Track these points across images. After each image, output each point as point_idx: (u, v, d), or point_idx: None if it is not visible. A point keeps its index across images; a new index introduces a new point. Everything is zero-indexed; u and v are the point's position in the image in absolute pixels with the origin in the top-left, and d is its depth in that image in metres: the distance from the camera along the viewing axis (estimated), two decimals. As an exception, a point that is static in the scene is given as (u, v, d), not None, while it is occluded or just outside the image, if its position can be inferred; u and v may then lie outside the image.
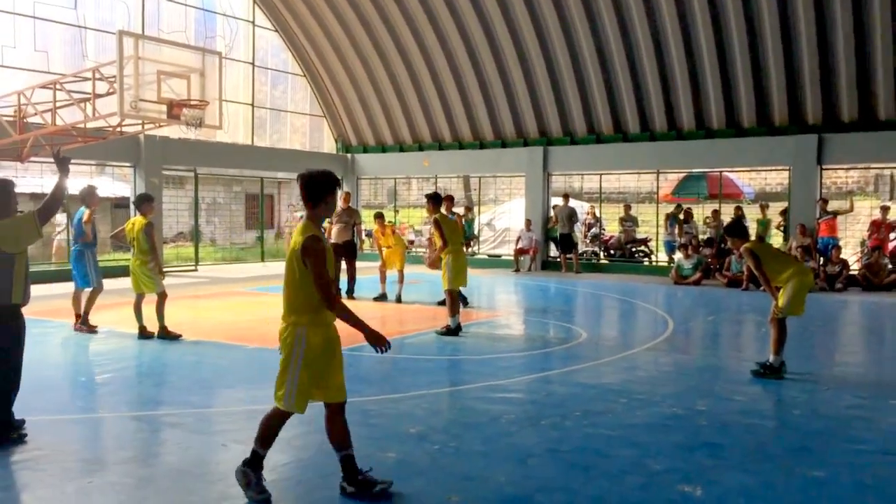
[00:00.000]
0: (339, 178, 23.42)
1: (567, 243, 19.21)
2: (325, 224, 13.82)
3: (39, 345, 8.59)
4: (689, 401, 6.67)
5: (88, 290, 9.99)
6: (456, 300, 9.97)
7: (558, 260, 20.18)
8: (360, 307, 12.60)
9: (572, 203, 20.62)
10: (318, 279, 4.16)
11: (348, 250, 13.60)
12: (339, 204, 14.04)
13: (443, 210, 10.35)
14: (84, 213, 9.97)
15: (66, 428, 5.87)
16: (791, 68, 16.39)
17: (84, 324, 9.82)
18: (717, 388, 7.23)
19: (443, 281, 9.99)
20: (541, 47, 18.67)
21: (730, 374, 7.89)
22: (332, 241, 13.65)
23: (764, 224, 17.87)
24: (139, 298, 9.51)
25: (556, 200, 20.92)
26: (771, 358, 7.55)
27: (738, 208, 18.33)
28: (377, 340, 4.31)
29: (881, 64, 15.46)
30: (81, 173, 19.29)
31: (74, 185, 17.50)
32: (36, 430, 5.48)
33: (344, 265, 13.55)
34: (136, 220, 9.50)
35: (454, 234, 10.03)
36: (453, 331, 9.76)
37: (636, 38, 17.45)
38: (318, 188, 4.31)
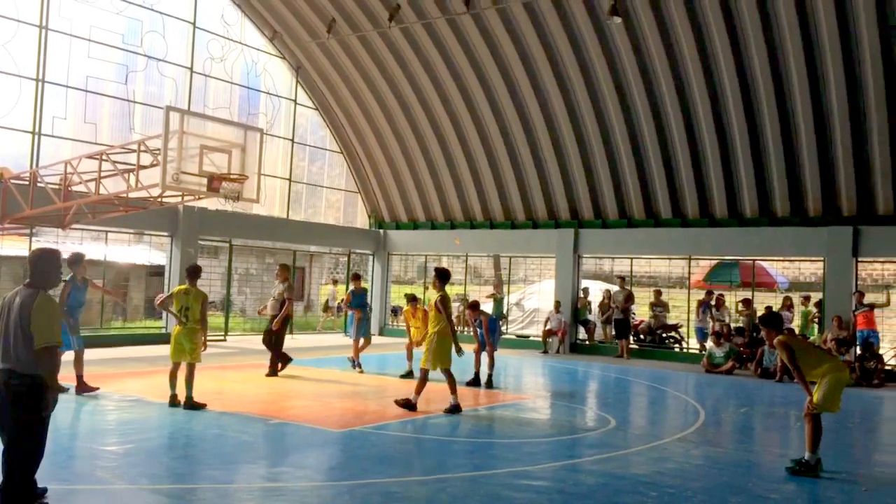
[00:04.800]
0: (371, 253, 23.67)
1: (623, 328, 18.97)
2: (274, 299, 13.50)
3: (66, 412, 8.63)
4: (722, 497, 6.46)
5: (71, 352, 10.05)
6: (426, 380, 10.00)
7: (586, 343, 19.97)
8: (386, 384, 12.56)
9: (606, 286, 20.59)
10: None
11: (281, 325, 13.26)
12: (277, 279, 13.64)
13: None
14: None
15: (87, 499, 5.84)
16: (825, 158, 16.40)
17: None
18: (750, 484, 6.99)
19: (424, 359, 9.93)
20: (573, 130, 18.95)
21: (764, 470, 7.64)
22: (270, 317, 13.36)
23: (806, 316, 17.57)
24: (175, 367, 9.59)
25: (589, 284, 20.84)
26: (806, 455, 7.32)
27: (788, 300, 18.05)
28: None
29: (917, 157, 15.42)
30: (120, 241, 19.73)
31: (104, 252, 17.86)
32: (57, 499, 5.45)
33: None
34: (190, 290, 9.65)
35: (449, 317, 10.08)
36: (412, 406, 9.83)
37: (668, 123, 17.65)
38: None
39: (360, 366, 13.91)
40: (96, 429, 8.58)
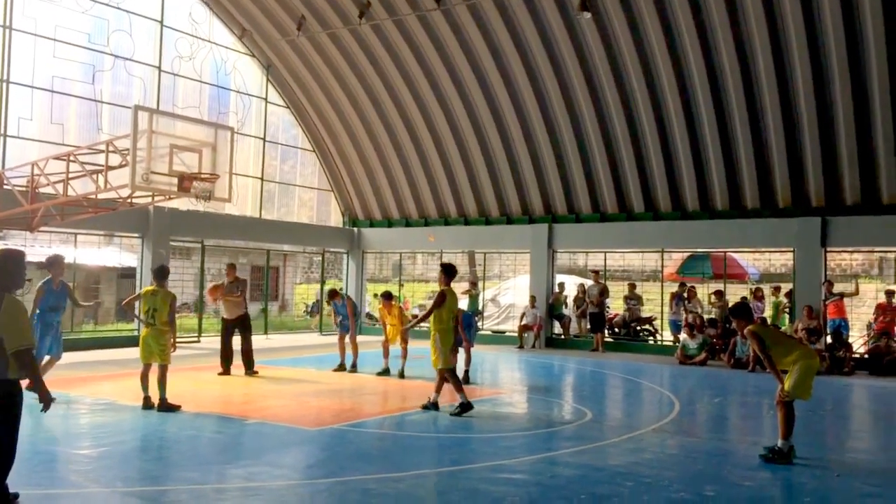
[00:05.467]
0: (345, 251, 23.59)
1: (598, 322, 19.05)
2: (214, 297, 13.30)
3: (38, 416, 8.48)
4: (697, 486, 6.52)
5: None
6: (455, 376, 9.82)
7: (562, 337, 20.06)
8: (363, 381, 12.53)
9: (580, 280, 20.68)
10: None
11: (242, 324, 13.19)
12: (226, 278, 13.48)
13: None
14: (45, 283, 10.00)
15: (61, 503, 5.75)
16: (794, 151, 16.62)
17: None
18: (725, 472, 7.07)
19: (436, 360, 9.65)
20: (546, 126, 19.02)
21: (738, 458, 7.72)
22: (224, 317, 13.32)
23: (777, 306, 17.80)
24: (146, 369, 9.51)
25: (564, 278, 20.93)
26: (779, 442, 7.41)
27: (759, 291, 18.33)
28: None
29: (882, 148, 15.67)
30: (90, 243, 19.46)
31: (74, 255, 17.59)
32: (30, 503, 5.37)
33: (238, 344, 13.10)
34: (158, 291, 9.53)
35: (452, 312, 9.79)
36: (467, 406, 9.48)
37: (640, 117, 17.78)
38: None
39: (343, 365, 13.79)
40: (69, 433, 8.45)
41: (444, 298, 9.64)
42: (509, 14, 17.50)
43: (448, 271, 9.86)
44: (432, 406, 9.74)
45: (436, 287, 23.84)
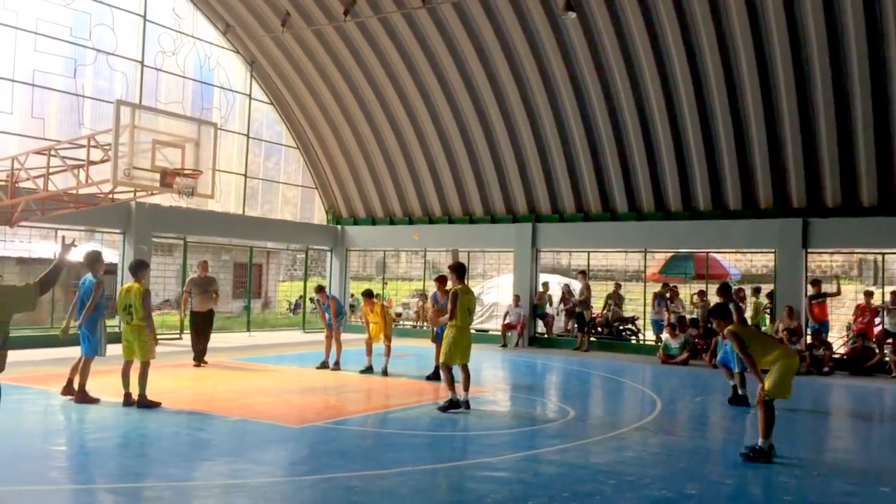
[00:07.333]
0: (329, 249, 23.51)
1: (583, 321, 19.12)
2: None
3: (16, 412, 8.40)
4: (679, 484, 6.56)
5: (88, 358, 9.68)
6: (450, 374, 9.79)
7: (545, 336, 20.10)
8: (346, 379, 12.51)
9: (564, 280, 20.72)
10: None
11: (207, 319, 13.95)
12: (199, 272, 14.30)
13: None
14: (93, 281, 9.65)
15: (39, 500, 5.69)
16: (775, 152, 16.74)
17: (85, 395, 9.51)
18: (706, 471, 7.12)
19: (442, 354, 9.81)
20: (531, 125, 19.05)
21: (719, 456, 7.78)
22: (195, 309, 13.88)
23: (758, 307, 17.92)
24: (127, 365, 9.44)
25: (547, 277, 20.98)
26: (760, 441, 7.47)
27: (741, 292, 18.33)
28: None
29: (863, 151, 15.82)
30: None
31: (53, 250, 17.44)
32: (6, 501, 5.30)
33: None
34: (132, 287, 9.47)
35: (464, 310, 9.87)
36: (455, 404, 9.54)
37: (624, 119, 17.85)
38: None
39: (326, 363, 13.77)
40: (48, 429, 8.38)
41: (456, 297, 9.68)
42: (494, 13, 17.50)
43: (458, 271, 10.00)
44: (464, 404, 9.65)
45: (419, 285, 23.91)
